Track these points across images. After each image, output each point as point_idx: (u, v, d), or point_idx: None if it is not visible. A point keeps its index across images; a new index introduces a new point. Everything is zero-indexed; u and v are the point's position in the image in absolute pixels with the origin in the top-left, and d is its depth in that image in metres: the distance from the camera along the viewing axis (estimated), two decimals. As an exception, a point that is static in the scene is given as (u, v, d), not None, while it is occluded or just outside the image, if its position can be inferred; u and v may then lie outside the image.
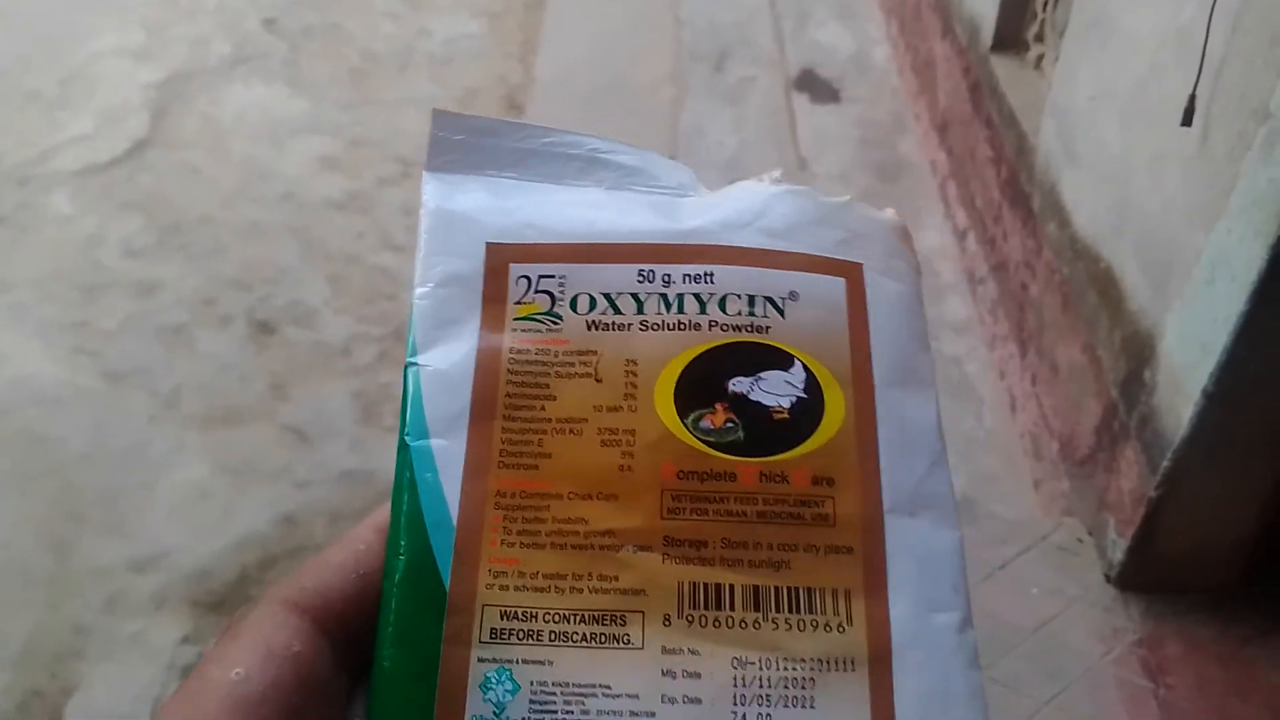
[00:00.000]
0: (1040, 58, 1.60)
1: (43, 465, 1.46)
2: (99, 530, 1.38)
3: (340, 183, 2.00)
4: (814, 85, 2.24)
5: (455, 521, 0.27)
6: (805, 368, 0.29)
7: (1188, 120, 1.01)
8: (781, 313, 0.30)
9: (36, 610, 1.29)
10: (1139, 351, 1.15)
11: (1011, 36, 1.67)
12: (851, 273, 0.30)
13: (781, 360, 0.29)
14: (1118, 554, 1.18)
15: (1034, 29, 1.63)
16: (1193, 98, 1.01)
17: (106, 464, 1.47)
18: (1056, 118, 1.41)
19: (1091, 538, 1.25)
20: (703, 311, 0.30)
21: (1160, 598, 1.18)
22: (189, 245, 1.84)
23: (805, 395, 0.29)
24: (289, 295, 1.75)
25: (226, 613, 1.29)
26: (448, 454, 0.27)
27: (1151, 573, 1.17)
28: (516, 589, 0.26)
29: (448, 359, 0.29)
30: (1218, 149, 1.00)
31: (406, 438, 0.28)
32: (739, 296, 0.30)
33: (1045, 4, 1.58)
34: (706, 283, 0.30)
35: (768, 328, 0.29)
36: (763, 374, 0.29)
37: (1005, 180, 1.60)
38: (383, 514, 0.28)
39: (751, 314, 0.30)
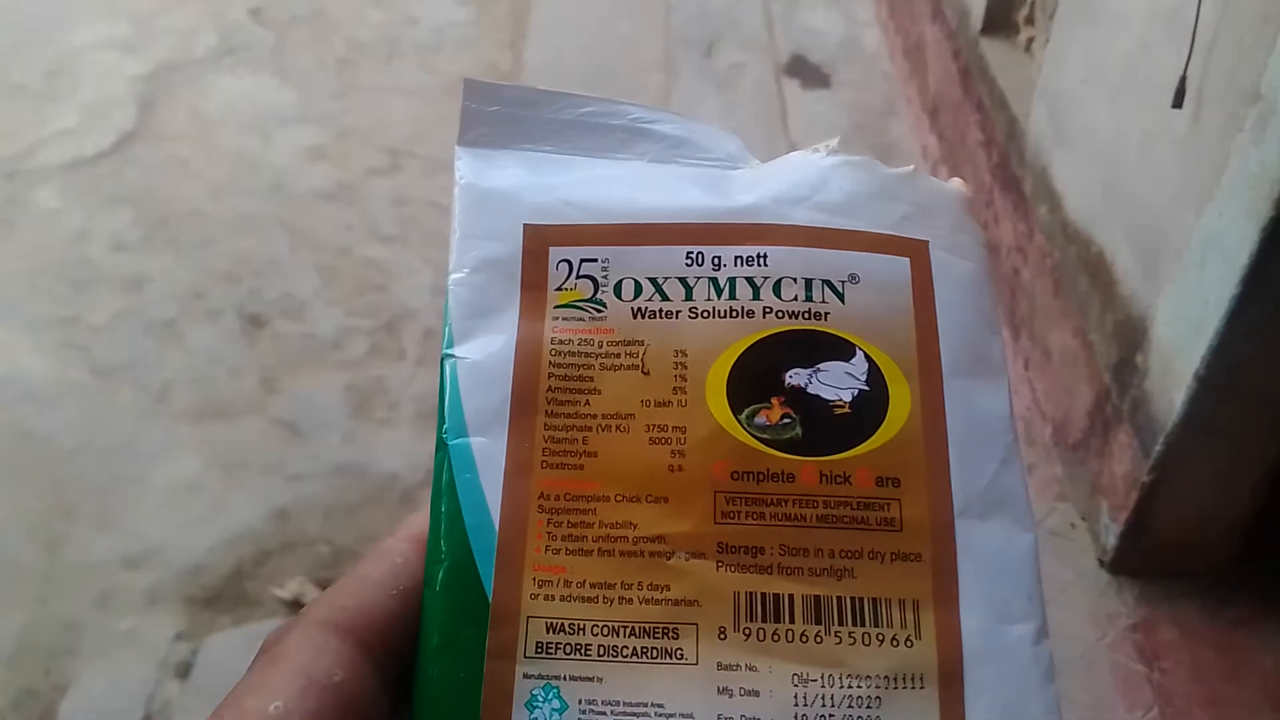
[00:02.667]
0: (1030, 40, 1.59)
1: (32, 461, 1.45)
2: (90, 526, 1.38)
3: (329, 173, 1.98)
4: (804, 70, 2.23)
5: (497, 526, 0.25)
6: (867, 357, 0.27)
7: (1178, 102, 1.01)
8: (841, 297, 0.28)
9: (28, 608, 1.28)
10: (1131, 335, 1.14)
11: (1001, 19, 1.66)
12: (917, 251, 0.28)
13: (842, 350, 0.27)
14: (1111, 539, 1.18)
15: (1023, 12, 1.62)
16: (1183, 79, 1.00)
17: (97, 459, 1.46)
18: (1047, 101, 1.41)
19: (1085, 523, 1.25)
20: (756, 297, 0.28)
21: (1154, 582, 1.18)
22: (178, 238, 1.83)
23: (868, 388, 0.27)
24: (279, 288, 1.74)
25: (221, 609, 1.29)
26: (488, 453, 0.26)
27: (1145, 557, 1.17)
28: (563, 599, 0.25)
29: (486, 350, 0.27)
30: (1209, 130, 0.99)
31: (445, 436, 0.26)
32: (795, 280, 0.28)
33: (1035, -14, 1.58)
34: (760, 265, 0.28)
35: (826, 314, 0.27)
36: (822, 365, 0.27)
37: (996, 164, 1.59)
38: (418, 523, 0.26)
39: (809, 299, 0.28)
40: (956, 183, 0.30)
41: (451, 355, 0.27)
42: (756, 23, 2.40)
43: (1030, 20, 1.60)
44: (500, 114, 0.30)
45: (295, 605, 1.27)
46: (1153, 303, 1.10)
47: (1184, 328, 1.03)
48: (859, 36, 2.35)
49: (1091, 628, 1.14)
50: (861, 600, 0.25)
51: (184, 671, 1.21)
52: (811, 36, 2.34)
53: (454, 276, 0.28)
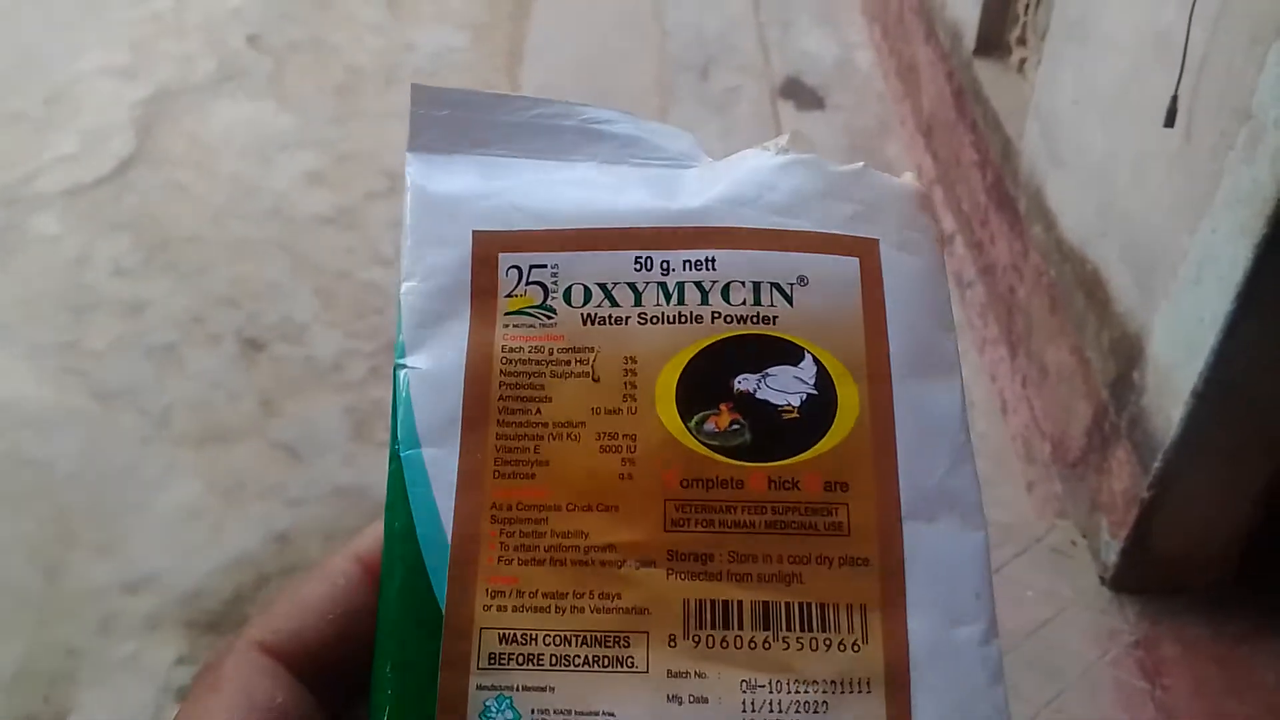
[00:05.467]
0: (1023, 61, 1.61)
1: (32, 487, 1.45)
2: (90, 552, 1.37)
3: (328, 198, 1.99)
4: (799, 92, 2.25)
5: (450, 538, 0.25)
6: (816, 361, 0.27)
7: (1170, 121, 1.02)
8: (789, 300, 0.28)
9: (28, 633, 1.28)
10: (1128, 353, 1.15)
11: (994, 40, 1.68)
12: (866, 250, 0.28)
13: (790, 353, 0.27)
14: (1112, 556, 1.18)
15: (1016, 32, 1.63)
16: (1175, 98, 1.01)
17: (97, 485, 1.46)
18: (1040, 121, 1.42)
19: (1085, 540, 1.25)
20: (705, 301, 0.28)
21: (1155, 599, 1.18)
22: (177, 264, 1.84)
23: (816, 391, 0.27)
24: (278, 312, 1.74)
25: (221, 633, 1.28)
26: (440, 464, 0.26)
27: (1146, 574, 1.18)
28: (515, 609, 0.25)
29: (437, 360, 0.27)
30: (1201, 149, 1.00)
31: (397, 448, 0.26)
32: (743, 284, 0.28)
33: (1027, 7, 1.59)
34: (708, 269, 0.28)
35: (775, 318, 0.27)
36: (770, 370, 0.27)
37: (991, 184, 1.60)
38: (363, 541, 0.26)
39: (757, 303, 0.27)
40: (908, 177, 0.30)
41: (404, 365, 0.27)
42: (751, 46, 2.42)
43: (1023, 41, 1.62)
44: (450, 118, 0.30)
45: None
46: (1149, 320, 1.11)
47: (1180, 345, 1.04)
48: (853, 58, 2.37)
49: (1093, 645, 1.14)
50: (809, 605, 0.25)
51: (185, 696, 1.21)
52: (806, 59, 2.35)
53: (405, 285, 0.28)
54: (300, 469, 1.49)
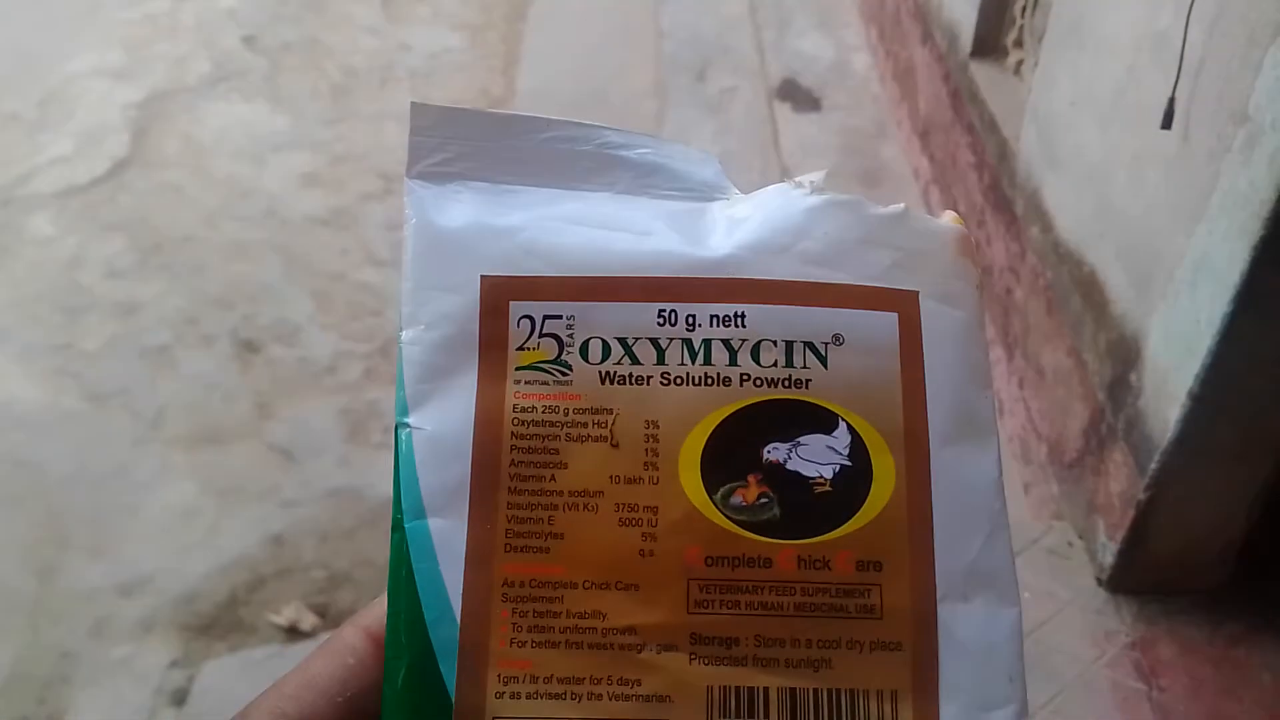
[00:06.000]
0: (1020, 63, 1.61)
1: (26, 489, 1.45)
2: (84, 554, 1.37)
3: (323, 199, 1.99)
4: (795, 94, 2.25)
5: (459, 618, 0.24)
6: (851, 429, 0.25)
7: (1167, 123, 1.02)
8: (824, 361, 0.26)
9: (22, 636, 1.27)
10: (1124, 354, 1.15)
11: (991, 42, 1.68)
12: (905, 304, 0.26)
13: (824, 421, 0.25)
14: (1108, 557, 1.18)
15: (1013, 35, 1.63)
16: (1172, 100, 1.01)
17: (91, 487, 1.45)
18: (1037, 122, 1.42)
19: (1082, 541, 1.25)
20: (733, 362, 0.26)
21: (1152, 600, 1.18)
22: (171, 265, 1.83)
23: (850, 462, 0.25)
24: (273, 313, 1.74)
25: (216, 635, 1.28)
26: (447, 536, 0.24)
27: (1142, 575, 1.18)
28: (529, 696, 0.24)
29: (443, 419, 0.25)
30: (1198, 151, 1.00)
31: (401, 518, 0.25)
32: (775, 344, 0.26)
33: (1024, 9, 1.59)
34: (738, 326, 0.26)
35: (808, 381, 0.26)
36: (802, 438, 0.25)
37: (988, 185, 1.60)
38: (371, 615, 0.25)
39: (789, 364, 0.26)
40: (950, 218, 0.28)
41: (406, 424, 0.25)
42: (748, 48, 2.42)
43: (1019, 43, 1.62)
44: (454, 141, 0.28)
45: (291, 631, 1.27)
46: (1145, 322, 1.11)
47: (1177, 346, 1.04)
48: (849, 60, 2.37)
49: (1090, 646, 1.14)
50: (839, 692, 0.24)
51: (180, 699, 1.20)
52: (802, 61, 2.36)
53: (407, 334, 0.26)
54: (295, 470, 1.49)
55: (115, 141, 2.12)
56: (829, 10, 2.53)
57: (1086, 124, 1.27)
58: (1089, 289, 1.24)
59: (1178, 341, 1.04)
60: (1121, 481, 1.15)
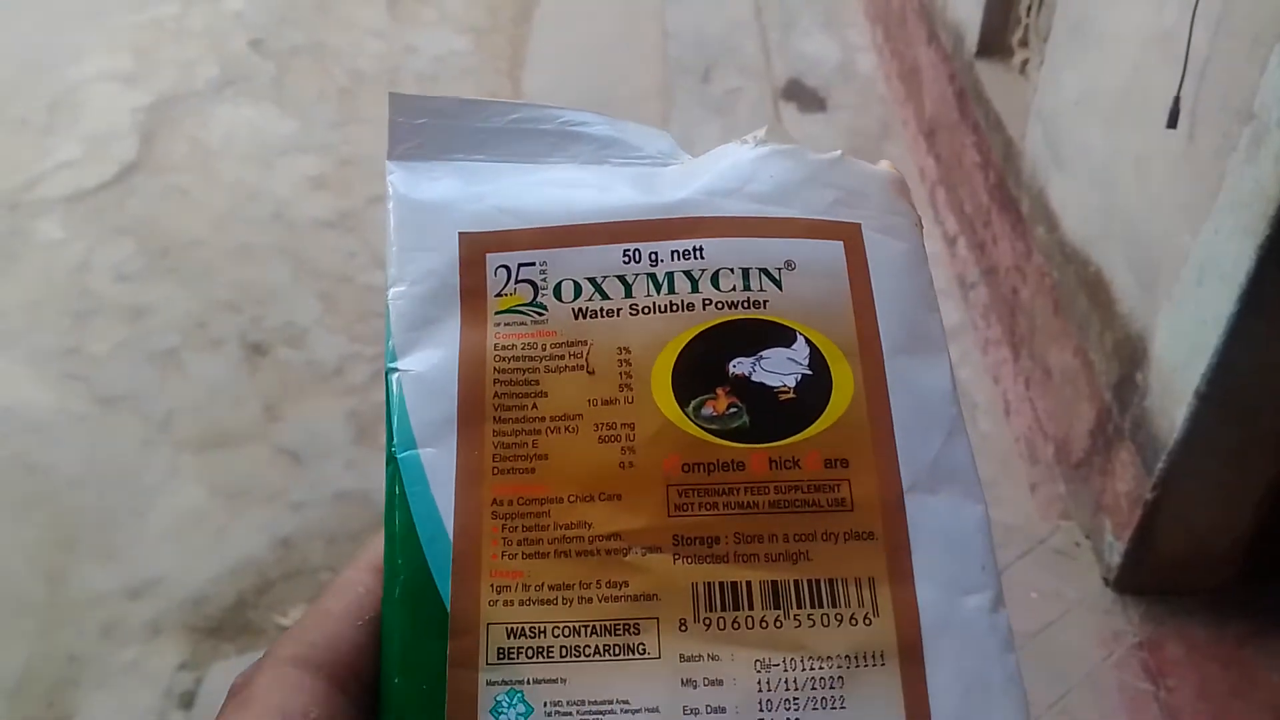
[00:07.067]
0: (1025, 63, 1.61)
1: (34, 492, 1.45)
2: (92, 557, 1.37)
3: (330, 202, 2.00)
4: (801, 94, 2.25)
5: (452, 535, 0.25)
6: (809, 342, 0.27)
7: (1173, 122, 1.01)
8: (779, 285, 0.28)
9: (30, 639, 1.28)
10: (1131, 354, 1.15)
11: (996, 42, 1.68)
12: (850, 234, 0.29)
13: (783, 336, 0.27)
14: (1115, 557, 1.17)
15: (1018, 34, 1.63)
16: (1177, 100, 1.01)
17: (99, 490, 1.46)
18: (1042, 122, 1.42)
19: (1089, 541, 1.25)
20: (695, 290, 0.28)
21: (1159, 600, 1.18)
22: (179, 268, 1.84)
23: (811, 372, 0.27)
24: (281, 316, 1.74)
25: (224, 638, 1.28)
26: (438, 463, 0.26)
27: (1150, 575, 1.17)
28: (522, 603, 0.25)
29: (429, 361, 0.27)
30: (1203, 150, 1.00)
31: (394, 450, 0.26)
32: (732, 271, 0.28)
33: (1029, 9, 1.59)
34: (697, 258, 0.28)
35: (765, 302, 0.28)
36: (764, 352, 0.27)
37: (993, 185, 1.60)
38: (375, 551, 0.26)
39: (747, 289, 0.28)
40: (885, 164, 0.31)
41: (395, 369, 0.27)
42: (753, 48, 2.42)
43: (1024, 43, 1.61)
44: (429, 126, 0.30)
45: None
46: (1151, 321, 1.10)
47: (1183, 346, 1.03)
48: (855, 61, 2.37)
49: (1097, 646, 1.14)
50: (818, 582, 0.25)
51: (188, 701, 1.21)
52: (807, 61, 2.35)
53: (393, 290, 0.28)
54: (302, 473, 1.49)
55: (123, 145, 2.13)
56: (834, 10, 2.53)
57: (1092, 123, 1.26)
58: (1095, 288, 1.24)
59: (1184, 341, 1.03)
60: (1128, 481, 1.14)
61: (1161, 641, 1.14)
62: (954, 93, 1.80)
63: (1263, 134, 0.90)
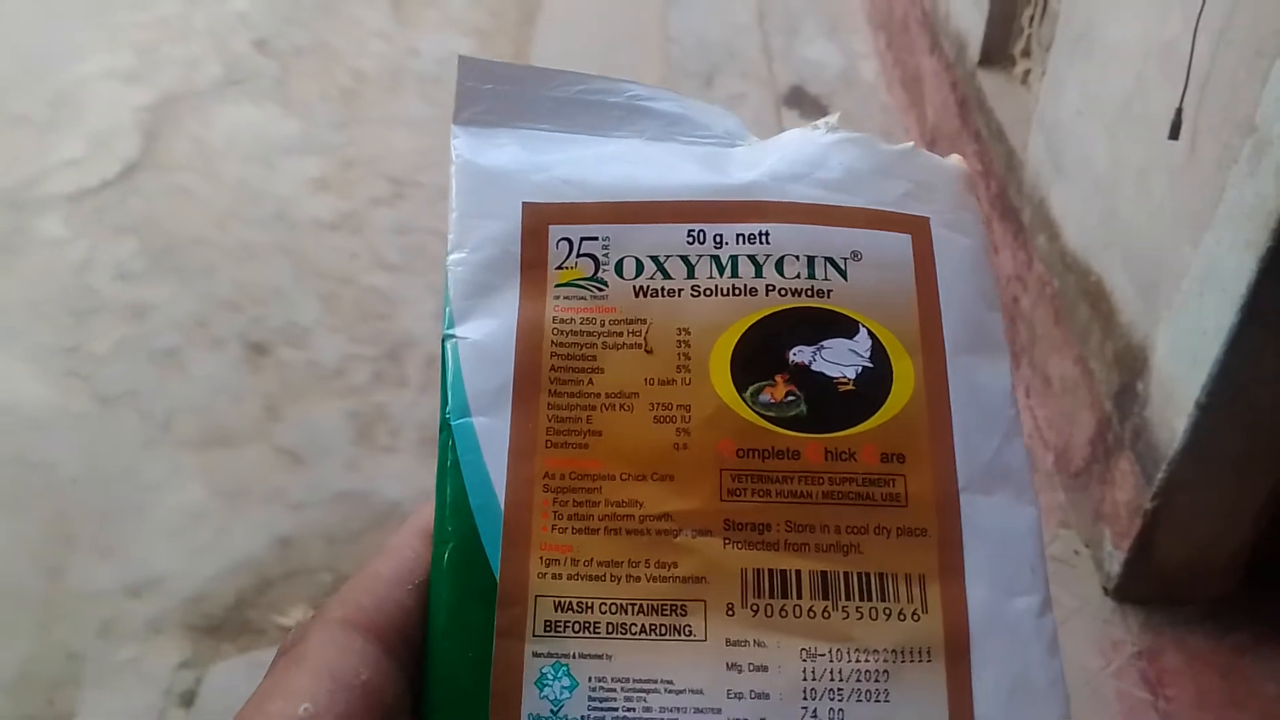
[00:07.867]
0: (1027, 73, 1.61)
1: (34, 490, 1.45)
2: (92, 555, 1.37)
3: (332, 203, 2.00)
4: (803, 101, 2.25)
5: (503, 505, 0.25)
6: (871, 334, 0.27)
7: (1175, 133, 1.02)
8: (844, 274, 0.28)
9: (30, 637, 1.28)
10: (1131, 364, 1.15)
11: (998, 52, 1.68)
12: (918, 228, 0.28)
13: (845, 327, 0.27)
14: (1115, 566, 1.18)
15: (1020, 44, 1.64)
16: (1179, 111, 1.01)
17: (99, 488, 1.46)
18: (1044, 132, 1.42)
19: (1088, 550, 1.25)
20: (759, 275, 0.28)
21: (1158, 609, 1.18)
22: (181, 267, 1.84)
23: (872, 365, 0.27)
24: (282, 316, 1.74)
25: (225, 637, 1.28)
26: (492, 433, 0.26)
27: (1149, 584, 1.18)
28: (570, 578, 0.25)
29: (487, 330, 0.27)
30: (1205, 162, 1.01)
31: (448, 416, 0.26)
32: (797, 258, 0.28)
33: (1031, 19, 1.60)
34: (762, 243, 0.28)
35: (829, 291, 0.27)
36: (825, 342, 0.27)
37: (995, 194, 1.61)
38: (423, 517, 0.26)
39: (811, 277, 0.28)
40: (956, 159, 0.30)
41: (452, 335, 0.27)
42: (755, 54, 2.43)
43: (1027, 53, 1.62)
44: (496, 91, 0.30)
45: (298, 634, 1.27)
46: (1152, 331, 1.11)
47: (1184, 356, 1.04)
48: (857, 68, 2.37)
49: (1096, 656, 1.14)
50: (868, 575, 0.25)
51: (188, 700, 1.21)
52: (810, 68, 2.36)
53: (453, 256, 0.28)
54: (303, 473, 1.49)
55: (126, 144, 2.13)
56: (837, 17, 2.54)
57: (1094, 134, 1.27)
58: (1096, 298, 1.25)
59: (1184, 351, 1.04)
60: (1128, 490, 1.15)
61: (1160, 651, 1.14)
62: (956, 101, 1.80)
63: (1264, 146, 0.90)
